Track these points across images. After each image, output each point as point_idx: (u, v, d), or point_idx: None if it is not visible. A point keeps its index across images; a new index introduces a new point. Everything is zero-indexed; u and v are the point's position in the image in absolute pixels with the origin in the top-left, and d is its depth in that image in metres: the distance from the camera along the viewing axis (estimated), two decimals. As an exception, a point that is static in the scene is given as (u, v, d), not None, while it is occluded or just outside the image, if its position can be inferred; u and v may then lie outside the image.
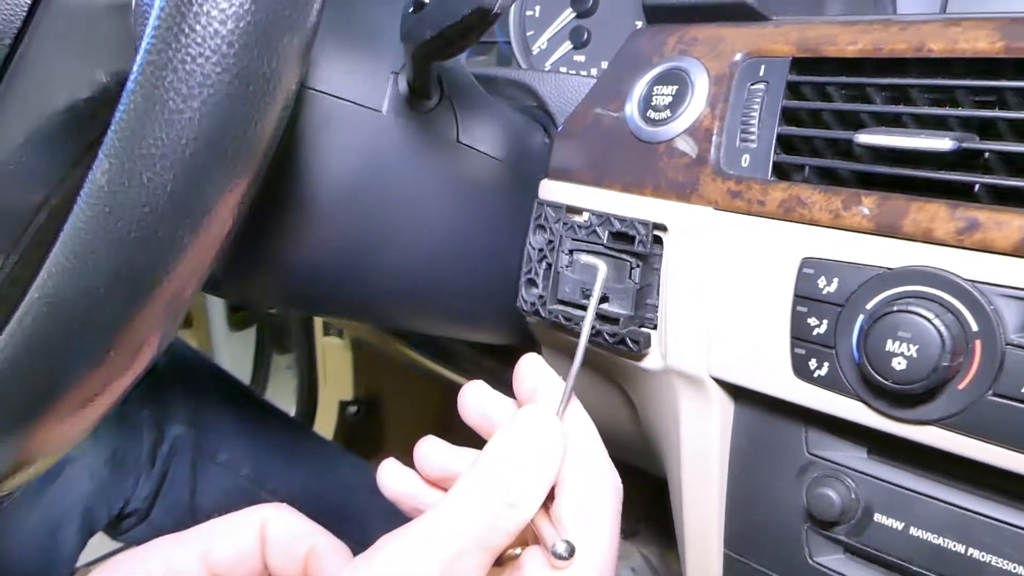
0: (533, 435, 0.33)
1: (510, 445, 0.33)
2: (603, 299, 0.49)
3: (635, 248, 0.47)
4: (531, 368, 0.37)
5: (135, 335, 0.32)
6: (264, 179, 0.34)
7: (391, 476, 0.39)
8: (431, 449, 0.39)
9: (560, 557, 0.31)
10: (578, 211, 0.51)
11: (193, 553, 0.35)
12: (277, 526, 0.36)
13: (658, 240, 0.47)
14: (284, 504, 0.37)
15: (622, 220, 0.48)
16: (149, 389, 0.87)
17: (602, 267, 0.48)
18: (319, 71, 0.44)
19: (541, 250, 0.52)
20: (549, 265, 0.52)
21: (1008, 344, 0.34)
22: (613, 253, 0.49)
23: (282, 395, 1.41)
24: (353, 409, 1.30)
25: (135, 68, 0.27)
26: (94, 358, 0.32)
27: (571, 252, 0.51)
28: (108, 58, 0.33)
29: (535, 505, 0.32)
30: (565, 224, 0.51)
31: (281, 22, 0.28)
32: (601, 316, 0.48)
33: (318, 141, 0.45)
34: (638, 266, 0.48)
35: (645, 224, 0.47)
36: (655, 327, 0.48)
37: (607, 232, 0.49)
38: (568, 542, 0.31)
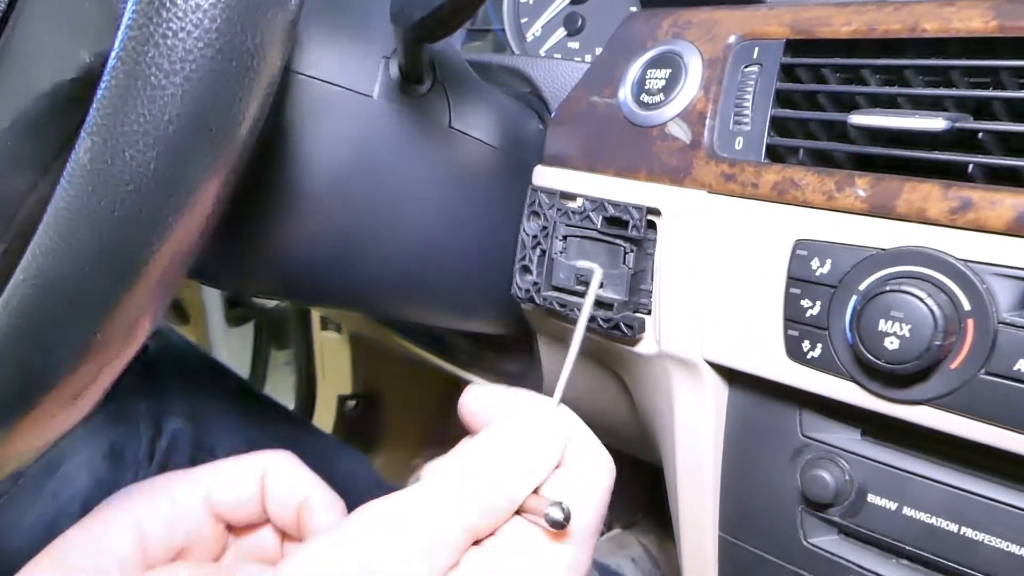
0: (533, 431, 0.33)
1: (510, 436, 0.33)
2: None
3: (629, 233, 0.47)
4: (475, 398, 0.36)
5: (122, 317, 0.31)
6: (254, 166, 0.33)
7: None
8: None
9: (557, 524, 0.29)
10: (572, 197, 0.51)
11: (197, 493, 0.38)
12: (277, 476, 0.38)
13: (652, 224, 0.47)
14: (288, 452, 0.39)
15: (616, 205, 0.48)
16: (147, 383, 0.86)
17: (598, 270, 0.47)
18: (308, 56, 0.44)
19: (535, 236, 0.52)
20: (543, 251, 0.52)
21: (1001, 323, 0.34)
22: (607, 238, 0.48)
23: (281, 391, 1.41)
24: (352, 403, 1.29)
25: (117, 44, 0.26)
26: (81, 341, 0.31)
27: (565, 238, 0.51)
28: (92, 38, 0.32)
29: (525, 494, 0.32)
30: (559, 210, 0.51)
31: None
32: (595, 302, 0.48)
33: (308, 127, 0.45)
34: (632, 251, 0.48)
35: (639, 208, 0.46)
36: (649, 312, 0.48)
37: (601, 217, 0.48)
38: (562, 504, 0.30)
